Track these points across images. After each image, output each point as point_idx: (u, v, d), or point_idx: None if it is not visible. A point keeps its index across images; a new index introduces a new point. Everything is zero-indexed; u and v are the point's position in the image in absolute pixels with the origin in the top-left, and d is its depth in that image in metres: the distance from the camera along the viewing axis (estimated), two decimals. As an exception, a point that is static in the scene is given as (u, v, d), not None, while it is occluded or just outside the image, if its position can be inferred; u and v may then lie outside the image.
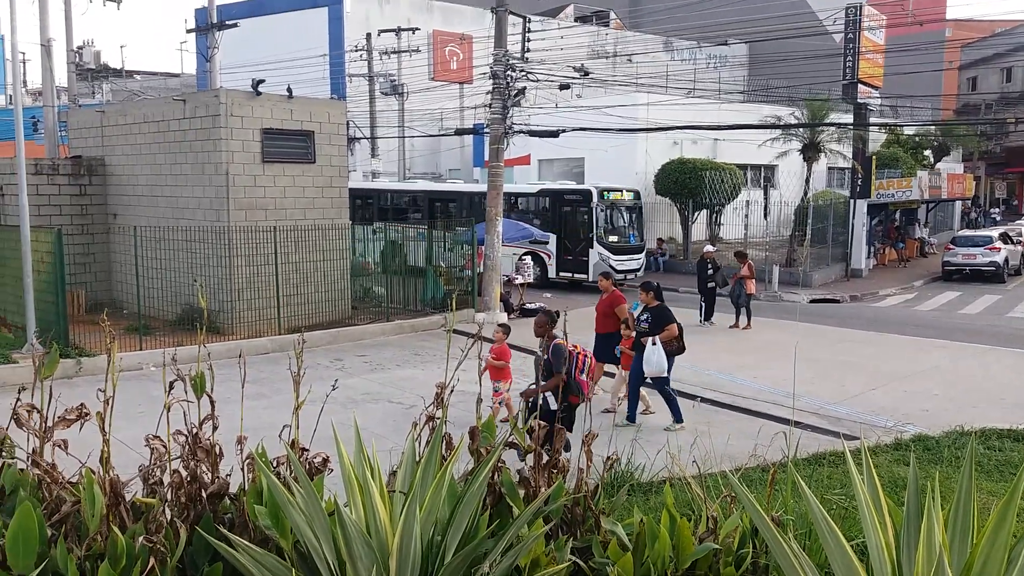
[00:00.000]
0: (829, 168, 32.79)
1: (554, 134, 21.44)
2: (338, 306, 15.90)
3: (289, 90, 15.50)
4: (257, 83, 14.71)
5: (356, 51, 33.20)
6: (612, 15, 53.95)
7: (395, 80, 33.17)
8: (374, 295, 17.54)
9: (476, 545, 2.96)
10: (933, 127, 41.91)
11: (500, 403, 9.33)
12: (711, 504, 3.92)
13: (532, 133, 20.26)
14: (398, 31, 33.46)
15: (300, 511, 3.04)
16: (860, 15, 36.36)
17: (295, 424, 3.87)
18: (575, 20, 49.97)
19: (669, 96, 33.21)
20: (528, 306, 18.19)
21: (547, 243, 23.08)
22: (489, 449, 3.70)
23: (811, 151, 33.19)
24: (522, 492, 3.74)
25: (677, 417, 9.21)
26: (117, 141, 16.76)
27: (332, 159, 15.86)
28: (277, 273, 14.45)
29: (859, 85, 35.41)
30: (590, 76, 25.80)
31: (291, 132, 15.26)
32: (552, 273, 22.99)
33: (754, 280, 16.49)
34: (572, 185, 24.66)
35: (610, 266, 20.83)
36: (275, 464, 3.62)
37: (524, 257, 20.94)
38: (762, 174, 33.32)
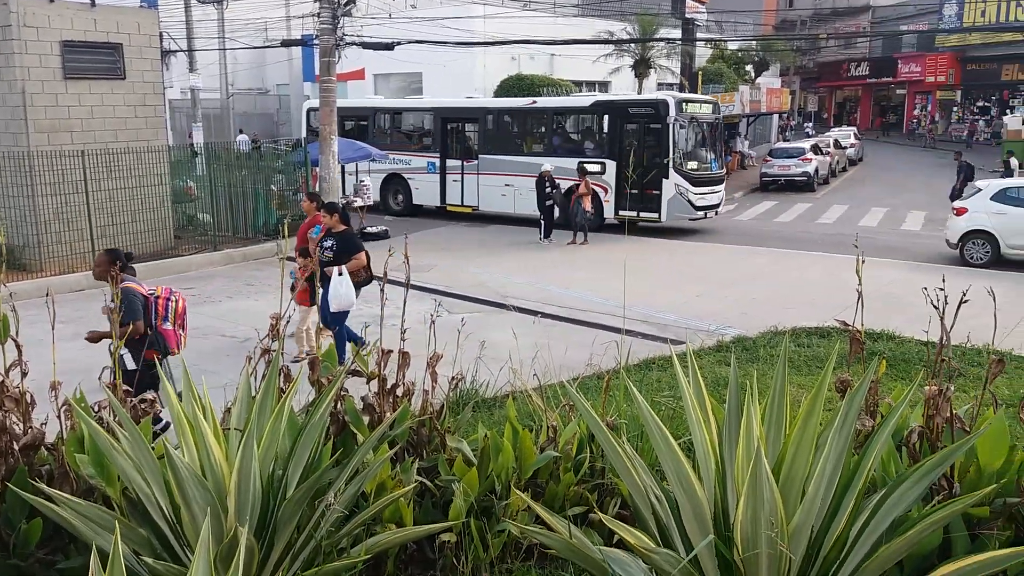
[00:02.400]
0: (659, 84, 33.85)
1: (388, 47, 20.73)
2: (160, 236, 14.91)
3: (91, -4, 14.02)
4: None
5: (166, -46, 30.36)
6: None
7: (213, -15, 30.66)
8: (199, 223, 16.55)
9: (319, 476, 2.92)
10: (753, 42, 44.02)
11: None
12: (551, 414, 4.06)
13: (365, 45, 19.52)
14: (213, -67, 30.80)
15: (127, 456, 2.87)
16: (687, -71, 37.06)
17: (116, 365, 3.63)
18: (406, -74, 47.92)
19: (505, 8, 32.82)
20: (369, 230, 17.82)
21: (601, 172, 17.98)
22: (331, 379, 3.63)
23: (642, 67, 34.02)
24: (367, 419, 3.72)
25: (341, 357, 7.80)
26: None
27: (145, 74, 14.60)
28: (88, 202, 13.32)
29: (687, 0, 36.43)
30: (423, -16, 24.98)
31: (96, 45, 13.87)
32: (609, 212, 17.99)
33: (590, 196, 16.89)
34: (637, 96, 20.26)
35: (689, 201, 17.49)
36: (96, 409, 3.39)
37: (363, 180, 20.06)
38: (597, 90, 33.87)
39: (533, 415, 4.53)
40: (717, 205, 18.54)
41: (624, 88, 33.37)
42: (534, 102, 20.78)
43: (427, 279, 12.67)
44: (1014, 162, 21.22)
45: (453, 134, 20.64)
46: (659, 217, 17.63)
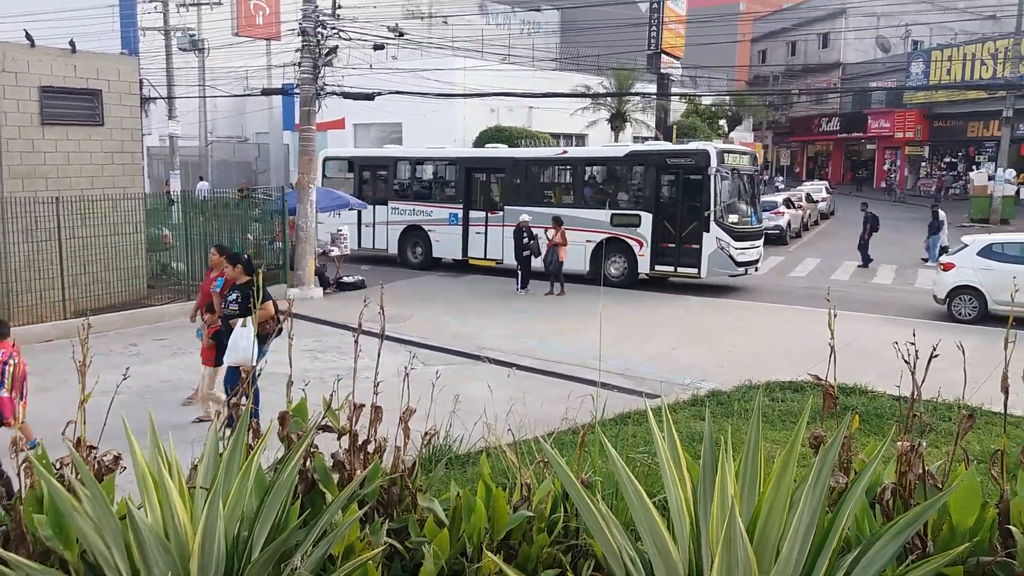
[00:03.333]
0: (635, 137, 34.46)
1: (369, 97, 20.90)
2: (132, 285, 14.71)
3: (72, 43, 14.09)
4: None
5: (150, 2, 30.67)
6: (426, -26, 53.28)
7: (194, 35, 30.95)
8: (173, 271, 16.38)
9: (285, 537, 2.85)
10: (727, 97, 45.03)
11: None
12: (526, 471, 4.01)
13: (346, 95, 19.63)
14: (198, -19, 31.22)
15: (87, 517, 2.79)
16: (663, -14, 38.16)
17: (81, 419, 3.54)
18: (388, -21, 48.93)
19: (485, 61, 33.41)
20: (345, 279, 17.75)
21: (636, 225, 17.41)
22: (300, 435, 3.57)
23: (618, 120, 34.68)
24: (336, 477, 3.65)
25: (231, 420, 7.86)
26: None
27: (123, 121, 14.61)
28: (61, 250, 13.16)
29: (662, 56, 37.32)
30: (405, 37, 25.34)
31: (75, 91, 13.88)
32: (644, 267, 17.39)
33: (566, 247, 16.95)
34: (675, 145, 19.48)
35: (730, 256, 16.75)
36: (57, 466, 3.30)
37: (341, 228, 19.98)
38: (574, 143, 34.43)
39: (507, 472, 4.48)
40: (757, 261, 17.82)
41: (602, 140, 33.89)
42: (565, 152, 20.72)
43: (402, 330, 12.62)
44: (942, 214, 21.95)
45: (477, 185, 20.18)
46: (699, 272, 16.90)
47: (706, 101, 43.09)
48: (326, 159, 23.07)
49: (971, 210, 31.51)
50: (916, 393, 3.52)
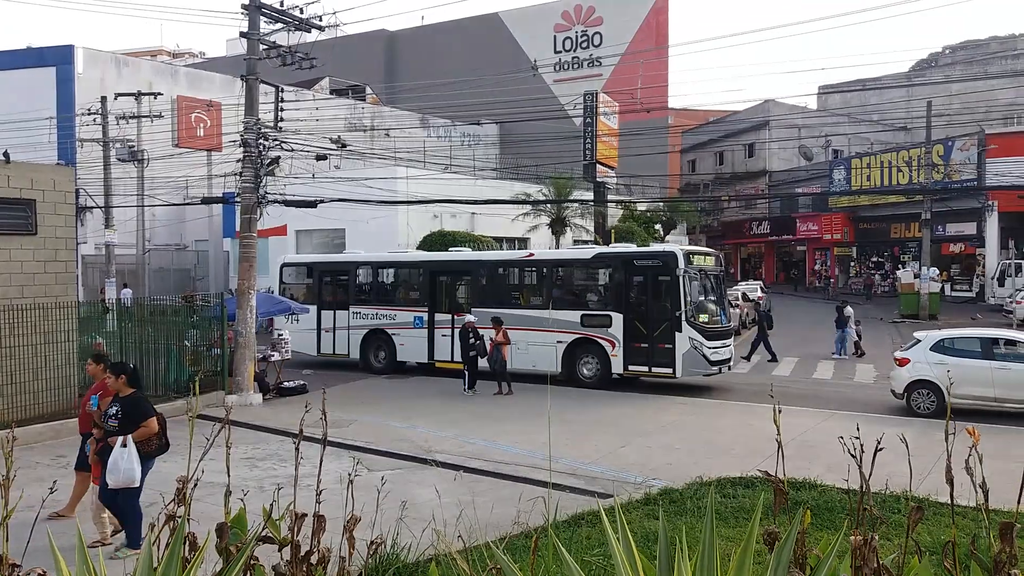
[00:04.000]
0: (575, 241, 35.27)
1: (312, 204, 20.97)
2: (63, 394, 14.09)
3: (6, 154, 13.95)
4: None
5: (89, 114, 30.77)
6: (368, 90, 54.90)
7: (134, 146, 30.96)
8: (106, 380, 15.77)
9: (223, 659, 2.65)
10: (661, 203, 46.67)
11: None
12: (477, 579, 3.85)
13: (288, 203, 19.65)
14: (138, 95, 31.53)
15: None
16: (596, 101, 40.06)
17: (3, 537, 3.31)
18: (331, 92, 50.22)
19: (427, 171, 34.14)
20: (286, 385, 17.34)
21: (607, 325, 17.35)
22: (240, 547, 3.38)
23: (558, 225, 35.54)
24: (278, 589, 3.45)
25: (134, 541, 7.26)
26: None
27: (57, 230, 14.35)
28: (-12, 359, 12.63)
29: (598, 165, 38.74)
30: (347, 148, 25.77)
31: (8, 201, 13.65)
32: (618, 367, 17.16)
33: (509, 346, 16.97)
34: (644, 248, 19.28)
35: (703, 355, 16.57)
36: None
37: (281, 333, 19.60)
38: (516, 246, 35.03)
39: (458, 580, 4.30)
40: (729, 360, 17.72)
41: (543, 244, 34.55)
42: (532, 254, 21.17)
43: (346, 435, 12.30)
44: (848, 310, 23.01)
45: (443, 288, 20.07)
46: (673, 372, 16.64)
47: (641, 207, 44.55)
48: (284, 265, 22.87)
49: (901, 307, 32.66)
50: (864, 486, 3.53)
